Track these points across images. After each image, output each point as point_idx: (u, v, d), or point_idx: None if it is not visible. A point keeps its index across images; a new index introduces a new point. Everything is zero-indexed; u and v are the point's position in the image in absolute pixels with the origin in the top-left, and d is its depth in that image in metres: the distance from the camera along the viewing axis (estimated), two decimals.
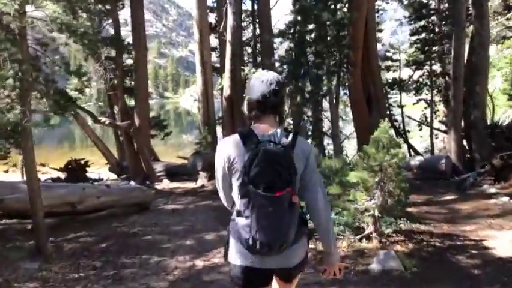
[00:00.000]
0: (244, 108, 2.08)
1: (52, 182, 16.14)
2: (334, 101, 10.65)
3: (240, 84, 11.04)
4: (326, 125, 12.60)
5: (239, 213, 1.91)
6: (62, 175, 16.37)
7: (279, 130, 1.96)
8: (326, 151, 11.80)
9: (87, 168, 19.50)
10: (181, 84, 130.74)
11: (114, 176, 14.86)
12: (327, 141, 12.77)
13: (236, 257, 2.01)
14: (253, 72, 10.83)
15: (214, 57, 15.66)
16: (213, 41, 16.05)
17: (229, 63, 10.87)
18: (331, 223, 2.12)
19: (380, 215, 5.20)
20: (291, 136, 1.94)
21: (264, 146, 1.85)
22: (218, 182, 2.08)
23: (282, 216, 1.84)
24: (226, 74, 11.09)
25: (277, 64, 11.30)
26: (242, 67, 11.47)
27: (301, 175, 1.98)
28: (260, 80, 2.00)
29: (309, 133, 11.77)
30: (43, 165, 15.59)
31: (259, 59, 15.33)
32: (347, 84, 11.05)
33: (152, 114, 16.83)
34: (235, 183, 1.96)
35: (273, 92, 1.97)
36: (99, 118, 12.79)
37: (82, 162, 16.48)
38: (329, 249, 2.09)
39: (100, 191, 7.89)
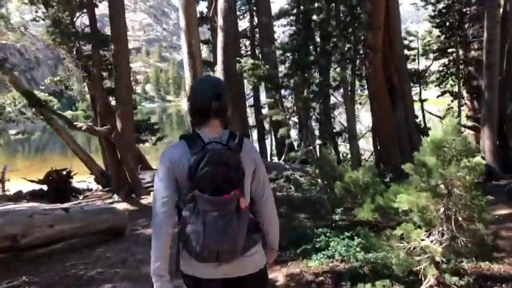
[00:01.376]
0: (188, 114, 2.06)
1: (31, 197, 14.53)
2: (349, 94, 8.79)
3: (235, 79, 9.25)
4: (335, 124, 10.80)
5: (185, 221, 1.82)
6: (44, 187, 14.78)
7: (224, 133, 1.93)
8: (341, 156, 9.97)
9: (74, 178, 18.23)
10: (183, 87, 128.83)
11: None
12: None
13: (186, 267, 1.93)
14: (251, 64, 9.06)
15: (206, 52, 13.88)
16: (205, 33, 14.28)
17: (221, 53, 9.09)
18: (277, 223, 2.13)
19: (444, 259, 3.37)
20: (237, 138, 1.91)
21: (210, 147, 1.81)
22: (159, 192, 1.90)
23: (230, 220, 1.77)
24: (219, 67, 9.31)
25: (278, 52, 9.48)
26: (238, 58, 9.66)
27: (252, 186, 1.98)
28: (202, 85, 1.98)
29: (317, 133, 9.91)
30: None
31: (258, 51, 13.56)
32: (363, 73, 9.18)
33: (154, 118, 15.23)
34: (181, 189, 1.88)
35: (215, 96, 1.91)
36: (75, 123, 11.00)
37: (64, 172, 14.82)
38: (274, 246, 2.16)
39: (54, 217, 6.08)
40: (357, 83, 9.80)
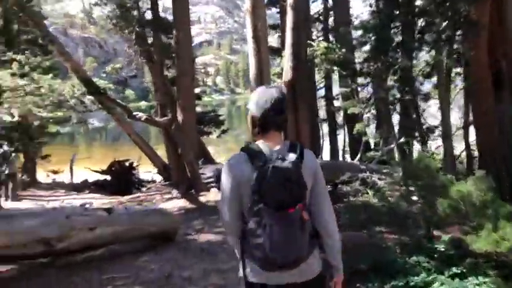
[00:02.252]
0: (248, 124, 2.01)
1: (95, 187, 14.42)
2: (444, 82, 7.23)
3: (305, 65, 8.08)
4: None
5: (250, 233, 1.86)
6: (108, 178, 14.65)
7: (285, 145, 1.93)
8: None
9: (140, 169, 18.06)
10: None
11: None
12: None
13: (250, 274, 1.93)
14: (324, 47, 7.83)
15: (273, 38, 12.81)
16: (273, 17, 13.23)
17: (290, 35, 7.96)
18: (338, 237, 2.07)
19: None
20: (298, 151, 1.90)
21: (272, 163, 1.81)
22: (224, 203, 1.96)
23: (295, 232, 1.81)
24: (287, 51, 8.18)
25: (355, 35, 8.13)
26: (309, 41, 8.45)
27: (312, 196, 1.98)
28: (262, 96, 1.96)
29: (396, 130, 8.45)
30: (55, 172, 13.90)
31: (331, 38, 12.22)
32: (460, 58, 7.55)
33: (222, 110, 14.53)
34: (245, 202, 1.90)
35: (276, 109, 1.92)
36: (134, 113, 10.45)
37: (127, 164, 14.56)
38: (336, 263, 2.08)
39: (94, 219, 5.35)
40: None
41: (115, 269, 4.99)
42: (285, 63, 8.22)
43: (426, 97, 7.99)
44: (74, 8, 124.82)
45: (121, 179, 13.84)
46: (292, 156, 1.84)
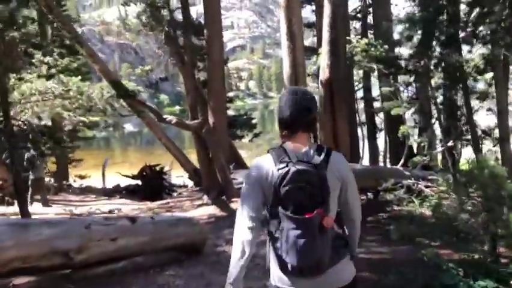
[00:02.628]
0: (277, 126, 1.97)
1: (126, 192, 14.24)
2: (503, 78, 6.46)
3: (343, 63, 7.50)
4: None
5: (271, 235, 1.84)
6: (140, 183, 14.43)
7: (311, 148, 1.87)
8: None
9: (172, 173, 17.84)
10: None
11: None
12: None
13: (274, 278, 1.91)
14: (365, 44, 7.23)
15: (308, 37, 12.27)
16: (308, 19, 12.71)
17: (328, 30, 7.40)
18: (359, 234, 2.12)
19: None
20: (323, 154, 1.84)
21: (294, 165, 1.78)
22: (245, 201, 1.89)
23: (313, 239, 1.74)
24: (324, 48, 7.62)
25: (398, 29, 7.47)
26: (348, 38, 7.85)
27: (339, 195, 1.92)
28: (290, 97, 1.92)
29: (439, 132, 7.70)
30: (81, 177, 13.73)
31: (371, 35, 11.54)
32: None
33: (255, 114, 14.11)
34: (268, 203, 1.86)
35: (304, 110, 1.90)
36: (164, 116, 10.12)
37: (158, 168, 14.30)
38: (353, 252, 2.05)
39: (117, 229, 4.95)
40: None
41: (138, 284, 4.58)
42: (322, 61, 7.66)
43: (483, 95, 7.20)
44: (111, 15, 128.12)
45: (152, 184, 13.59)
46: (317, 159, 1.81)
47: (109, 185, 15.73)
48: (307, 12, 13.00)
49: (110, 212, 9.29)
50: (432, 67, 6.47)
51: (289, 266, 1.77)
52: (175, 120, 10.11)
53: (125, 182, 15.01)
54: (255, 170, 1.90)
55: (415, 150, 9.47)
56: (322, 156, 1.82)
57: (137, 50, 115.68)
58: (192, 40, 11.27)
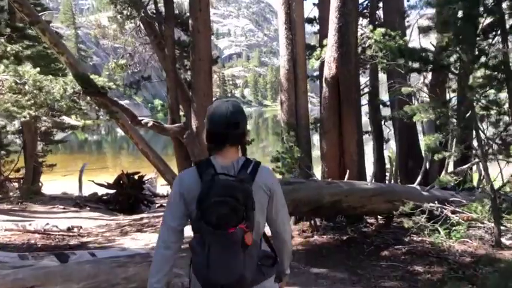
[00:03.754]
0: (204, 139, 1.94)
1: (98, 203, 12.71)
2: None
3: (354, 56, 6.11)
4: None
5: (193, 249, 1.76)
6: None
7: (239, 161, 1.87)
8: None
9: (154, 182, 16.34)
10: (279, 90, 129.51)
11: None
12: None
13: None
14: (381, 33, 5.85)
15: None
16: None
17: (336, 16, 6.02)
18: (291, 249, 2.08)
19: None
20: (251, 167, 1.85)
21: (219, 178, 1.76)
22: (167, 218, 1.89)
23: (235, 255, 1.70)
24: (331, 39, 6.24)
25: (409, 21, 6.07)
26: (359, 25, 6.47)
27: (267, 210, 1.92)
28: (218, 110, 1.87)
29: (454, 148, 6.27)
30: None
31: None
32: None
33: (250, 122, 12.68)
34: (192, 217, 1.82)
35: (232, 123, 1.85)
36: (139, 118, 8.68)
37: (136, 177, 12.77)
38: (284, 267, 2.09)
39: (35, 273, 3.45)
40: None
41: None
42: (327, 54, 6.25)
43: None
44: (108, 20, 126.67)
45: (129, 195, 12.08)
46: (243, 173, 1.81)
47: (87, 192, 14.19)
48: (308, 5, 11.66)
49: (69, 229, 7.77)
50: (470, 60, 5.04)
51: (209, 283, 1.70)
52: (152, 123, 8.65)
53: (104, 190, 13.49)
54: (179, 183, 1.87)
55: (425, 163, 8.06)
56: (249, 170, 1.82)
57: (133, 55, 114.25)
58: (175, 31, 9.89)
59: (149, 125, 8.68)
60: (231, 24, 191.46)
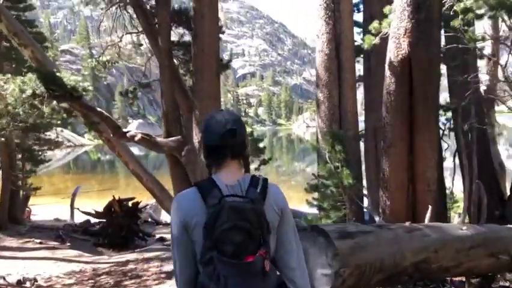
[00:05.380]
0: (202, 155, 1.80)
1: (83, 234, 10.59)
2: None
3: (437, 29, 3.93)
4: None
5: (204, 286, 1.48)
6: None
7: (245, 179, 1.59)
8: None
9: (153, 208, 14.25)
10: (294, 111, 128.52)
11: None
12: None
13: None
14: None
15: None
16: None
17: None
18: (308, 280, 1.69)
19: None
20: (260, 185, 1.57)
21: (228, 201, 1.48)
22: (173, 249, 1.59)
23: (257, 285, 1.47)
24: (399, 3, 4.04)
25: None
26: None
27: (278, 236, 1.63)
28: (213, 120, 1.64)
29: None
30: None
31: None
32: None
33: (264, 141, 10.61)
34: (197, 249, 1.54)
35: (229, 132, 1.59)
36: (124, 130, 6.59)
37: (130, 203, 10.61)
38: None
39: None
40: None
41: None
42: (393, 26, 4.06)
43: None
44: (123, 40, 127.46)
45: (120, 226, 9.88)
46: (253, 192, 1.53)
47: (81, 219, 12.12)
48: None
49: (19, 283, 5.60)
50: None
51: None
52: (140, 136, 6.52)
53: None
54: (177, 210, 1.56)
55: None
56: (258, 189, 1.55)
57: (147, 73, 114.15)
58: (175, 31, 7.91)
59: (136, 138, 6.55)
60: (245, 45, 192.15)
